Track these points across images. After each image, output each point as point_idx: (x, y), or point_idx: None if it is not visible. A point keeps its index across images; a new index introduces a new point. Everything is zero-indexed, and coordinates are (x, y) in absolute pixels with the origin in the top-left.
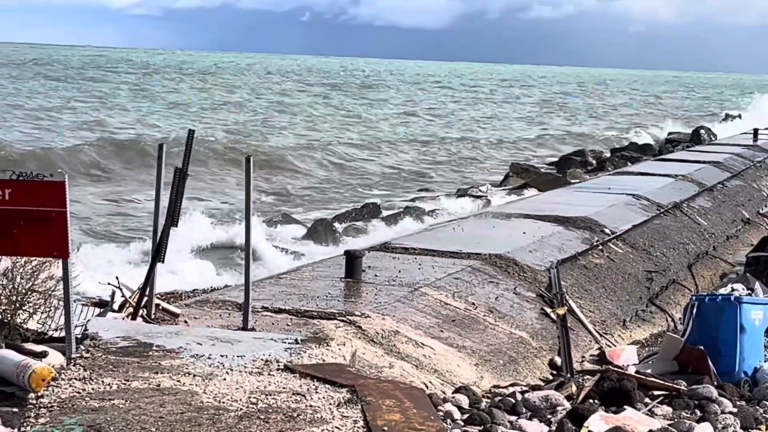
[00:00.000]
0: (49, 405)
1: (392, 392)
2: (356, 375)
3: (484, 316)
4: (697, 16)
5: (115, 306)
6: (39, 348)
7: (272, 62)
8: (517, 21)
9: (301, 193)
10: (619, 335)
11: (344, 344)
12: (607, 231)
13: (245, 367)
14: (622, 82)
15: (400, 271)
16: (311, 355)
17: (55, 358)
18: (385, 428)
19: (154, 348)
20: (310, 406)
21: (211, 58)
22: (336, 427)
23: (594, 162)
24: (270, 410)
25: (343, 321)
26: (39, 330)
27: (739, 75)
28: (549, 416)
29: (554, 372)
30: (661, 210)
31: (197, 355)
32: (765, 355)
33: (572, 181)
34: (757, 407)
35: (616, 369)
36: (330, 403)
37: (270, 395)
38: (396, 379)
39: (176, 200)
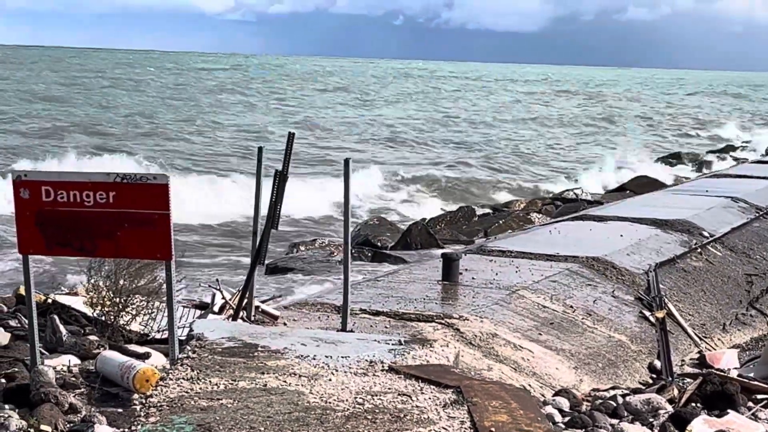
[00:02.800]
0: (159, 404)
1: (498, 393)
2: (461, 376)
3: (582, 319)
4: None
5: (215, 308)
6: (142, 349)
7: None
8: (613, 23)
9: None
10: (719, 339)
11: (447, 345)
12: (705, 234)
13: (350, 368)
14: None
15: (497, 274)
16: (415, 356)
17: (158, 359)
18: (493, 429)
19: (260, 348)
20: (417, 406)
21: (308, 62)
22: (443, 428)
23: (690, 164)
24: (377, 410)
25: (441, 324)
26: (141, 332)
27: None
28: (651, 419)
29: (654, 376)
30: (761, 213)
31: (302, 355)
32: None
33: (669, 183)
34: None
35: (718, 372)
36: (436, 404)
37: (376, 396)
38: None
39: (276, 203)
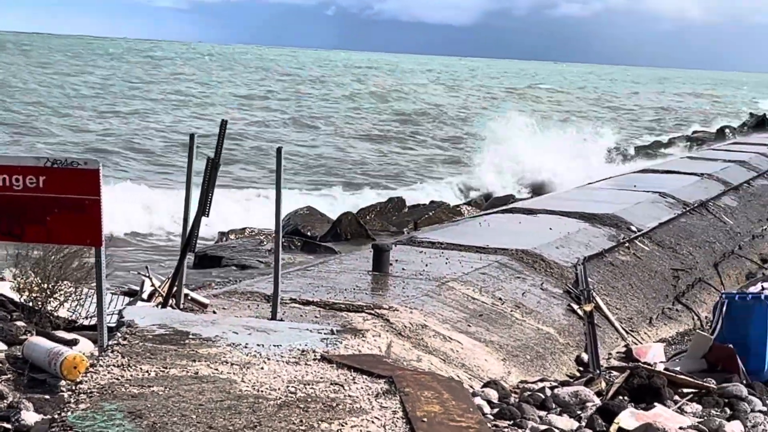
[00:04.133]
0: (89, 391)
1: (430, 384)
2: (393, 366)
3: (511, 311)
4: (726, 15)
5: (144, 295)
6: (70, 336)
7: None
8: (545, 18)
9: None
10: (646, 333)
11: (380, 335)
12: (633, 228)
13: (282, 357)
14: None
15: (427, 265)
16: (347, 346)
17: (86, 346)
18: (425, 419)
19: (191, 336)
20: (349, 396)
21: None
22: (375, 417)
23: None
24: (309, 400)
25: (371, 314)
26: (69, 318)
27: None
28: (578, 412)
29: (581, 368)
30: (687, 208)
31: (234, 344)
32: None
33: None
34: None
35: (645, 366)
36: (368, 394)
37: (308, 385)
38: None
39: (208, 190)
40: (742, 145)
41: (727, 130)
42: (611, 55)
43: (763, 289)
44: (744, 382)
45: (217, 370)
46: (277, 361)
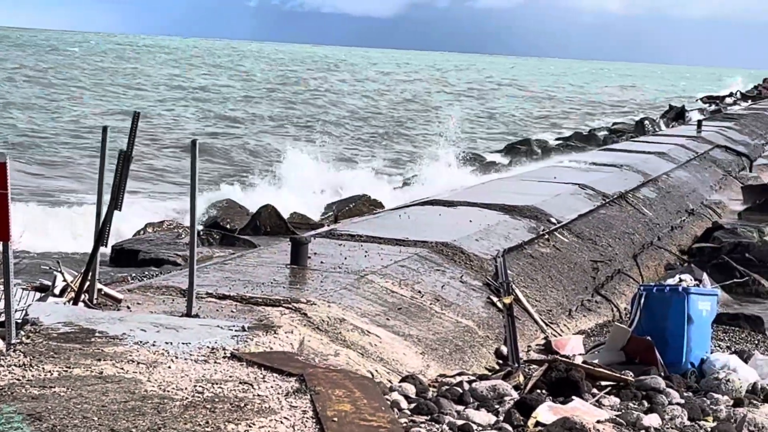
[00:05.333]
0: None
1: (342, 382)
2: (305, 364)
3: (430, 304)
4: (646, 8)
5: (57, 291)
6: None
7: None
8: (468, 10)
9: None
10: (565, 325)
11: (292, 332)
12: (553, 220)
13: (191, 355)
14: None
15: (346, 258)
16: (258, 343)
17: None
18: (335, 419)
19: (97, 334)
20: (258, 395)
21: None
22: (284, 418)
23: (539, 151)
24: (216, 399)
25: (288, 308)
26: None
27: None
28: (497, 406)
29: (500, 361)
30: (607, 200)
31: (141, 341)
32: (711, 347)
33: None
34: (704, 398)
35: (563, 359)
36: (278, 393)
37: (216, 384)
38: (342, 367)
39: (120, 184)
40: (662, 136)
41: (646, 122)
42: (535, 47)
43: (680, 281)
44: (662, 374)
45: (122, 369)
46: (186, 359)
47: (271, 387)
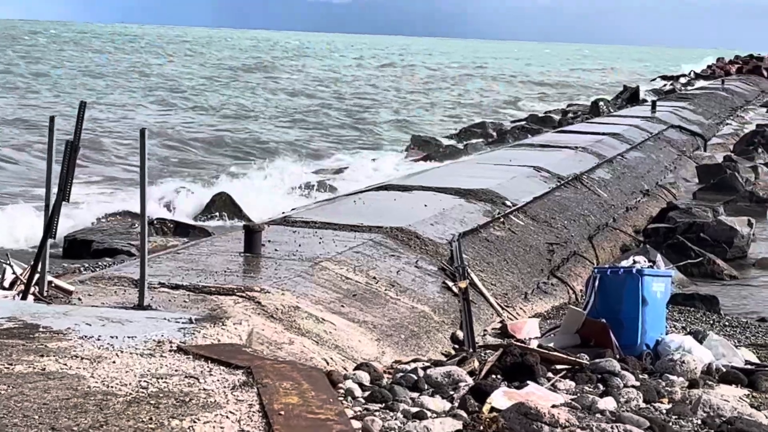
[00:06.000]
0: None
1: (290, 374)
2: (252, 356)
3: (385, 290)
4: None
5: (6, 283)
6: None
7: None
8: None
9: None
10: (521, 308)
11: (240, 323)
12: (508, 203)
13: (136, 349)
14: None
15: (300, 245)
16: (206, 335)
17: None
18: (282, 412)
19: (41, 329)
20: (204, 389)
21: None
22: (230, 412)
23: (494, 134)
24: (161, 395)
25: (241, 297)
26: None
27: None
28: (451, 392)
29: (456, 346)
30: (562, 182)
31: (86, 336)
32: (667, 328)
33: (473, 153)
34: (659, 380)
35: (518, 344)
36: (224, 386)
37: (161, 378)
38: (296, 355)
39: (68, 174)
40: (616, 117)
41: (601, 103)
42: (493, 30)
43: (634, 262)
44: (617, 356)
45: (65, 365)
46: (131, 353)
47: (218, 380)
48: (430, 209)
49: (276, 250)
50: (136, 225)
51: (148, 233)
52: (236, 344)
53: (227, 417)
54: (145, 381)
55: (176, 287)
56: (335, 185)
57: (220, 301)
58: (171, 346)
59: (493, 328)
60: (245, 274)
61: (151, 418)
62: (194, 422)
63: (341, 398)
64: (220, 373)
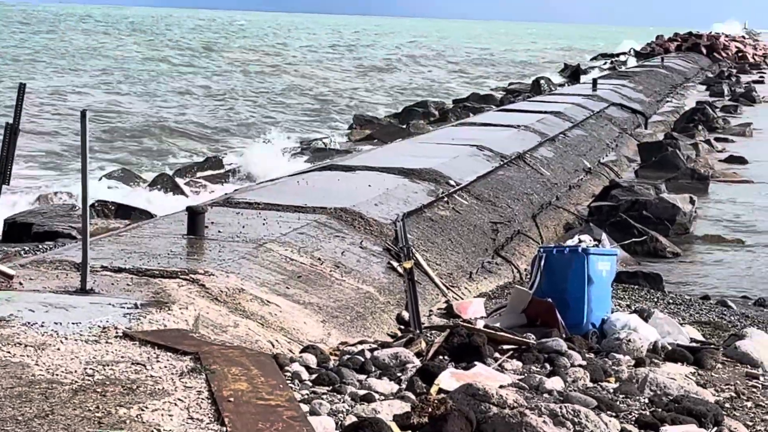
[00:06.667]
0: None
1: (238, 359)
2: (200, 341)
3: (330, 271)
4: None
5: None
6: None
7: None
8: None
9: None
10: (466, 288)
11: (187, 308)
12: (452, 182)
13: (81, 335)
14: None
15: (244, 227)
16: (152, 321)
17: None
18: (231, 399)
19: None
20: (151, 376)
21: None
22: (179, 399)
23: (437, 113)
24: (107, 382)
25: (185, 279)
26: None
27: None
28: (399, 374)
29: (402, 327)
30: (505, 161)
31: (29, 323)
32: (612, 307)
33: (415, 132)
34: (606, 359)
35: (465, 324)
36: (172, 373)
37: (107, 366)
38: (241, 338)
39: (7, 157)
40: (558, 95)
41: (542, 81)
42: (432, 8)
43: (580, 241)
44: (563, 336)
45: (9, 353)
46: (76, 340)
47: (165, 367)
48: (374, 189)
49: (219, 231)
50: (77, 207)
51: (89, 215)
52: (183, 330)
53: (176, 404)
54: (91, 368)
55: (119, 270)
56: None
57: (163, 284)
58: (117, 332)
59: (438, 309)
60: (189, 257)
61: (98, 407)
62: (142, 410)
63: (288, 381)
64: (168, 360)
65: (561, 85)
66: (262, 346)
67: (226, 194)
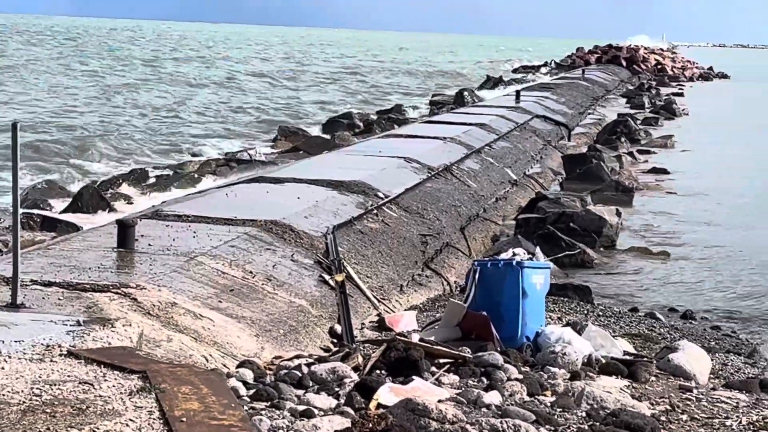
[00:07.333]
0: None
1: (188, 378)
2: (147, 359)
3: (262, 284)
4: None
5: None
6: None
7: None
8: None
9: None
10: (397, 300)
11: (131, 325)
12: (380, 195)
13: (25, 354)
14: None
15: (174, 240)
16: (95, 338)
17: None
18: (184, 419)
19: None
20: (100, 396)
21: None
22: (130, 419)
23: (361, 124)
24: (56, 402)
25: (117, 293)
26: None
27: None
28: (337, 389)
29: (335, 340)
30: (432, 173)
31: None
32: (546, 320)
33: (341, 144)
34: (542, 373)
35: (402, 338)
36: (121, 393)
37: (54, 385)
38: (175, 352)
39: None
40: (482, 107)
41: (465, 93)
42: (355, 19)
43: (514, 254)
44: (498, 349)
45: None
46: (20, 358)
47: (113, 386)
48: (304, 202)
49: (150, 245)
50: (2, 219)
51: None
52: (128, 347)
53: (127, 425)
54: (37, 388)
55: (49, 284)
56: None
57: (95, 298)
58: (61, 351)
59: (370, 322)
60: (120, 270)
61: (48, 428)
62: (94, 431)
63: None
64: (115, 379)
65: (482, 100)
66: (196, 361)
67: (154, 207)
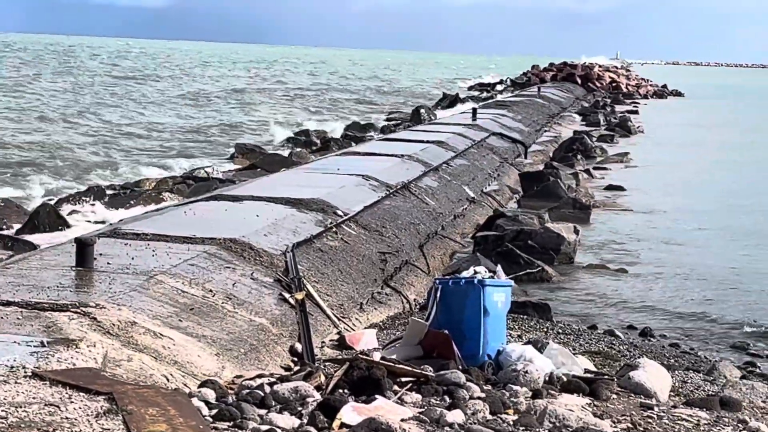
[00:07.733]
0: None
1: (154, 399)
2: (113, 381)
3: (222, 303)
4: None
5: None
6: None
7: None
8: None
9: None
10: (357, 319)
11: (95, 345)
12: (339, 212)
13: None
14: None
15: (133, 258)
16: (60, 359)
17: None
18: None
19: None
20: (66, 418)
21: None
22: None
23: (318, 142)
24: (23, 425)
25: (76, 313)
26: None
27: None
28: (300, 408)
29: (295, 359)
30: (391, 191)
31: None
32: (506, 338)
33: (299, 161)
34: (504, 391)
35: (364, 357)
36: (88, 415)
37: (20, 407)
38: (135, 372)
39: None
40: (438, 125)
41: (422, 110)
42: (308, 36)
43: (475, 272)
44: (459, 367)
45: None
46: None
47: (80, 408)
48: (262, 219)
49: (109, 263)
50: None
51: None
52: (93, 368)
53: None
54: (3, 410)
55: (7, 304)
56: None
57: (54, 317)
58: (25, 372)
59: (331, 340)
60: (79, 289)
61: None
62: None
63: None
64: (81, 400)
65: (438, 117)
66: (156, 381)
67: (112, 225)
